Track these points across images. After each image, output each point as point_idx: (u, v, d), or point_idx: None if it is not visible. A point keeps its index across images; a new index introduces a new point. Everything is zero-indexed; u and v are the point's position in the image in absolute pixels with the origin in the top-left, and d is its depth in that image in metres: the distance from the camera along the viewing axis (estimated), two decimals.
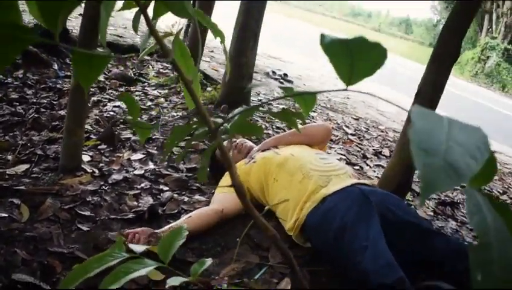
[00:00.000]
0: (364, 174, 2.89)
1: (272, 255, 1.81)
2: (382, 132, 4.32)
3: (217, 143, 0.81)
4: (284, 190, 1.95)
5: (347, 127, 4.08)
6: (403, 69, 12.36)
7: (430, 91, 2.09)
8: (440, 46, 2.09)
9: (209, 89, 4.28)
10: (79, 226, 1.82)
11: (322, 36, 0.51)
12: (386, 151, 3.55)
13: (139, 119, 2.90)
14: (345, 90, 0.58)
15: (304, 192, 1.87)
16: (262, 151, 2.23)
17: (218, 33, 1.10)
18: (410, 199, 2.52)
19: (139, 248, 1.09)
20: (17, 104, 3.21)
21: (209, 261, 1.05)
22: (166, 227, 1.79)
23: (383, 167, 3.14)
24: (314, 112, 4.37)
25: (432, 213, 2.60)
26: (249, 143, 2.40)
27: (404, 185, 2.23)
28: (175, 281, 0.90)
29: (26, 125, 2.85)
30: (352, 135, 3.82)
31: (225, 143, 2.34)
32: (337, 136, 3.64)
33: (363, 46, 0.51)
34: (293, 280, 1.62)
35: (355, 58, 0.54)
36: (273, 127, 3.46)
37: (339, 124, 4.12)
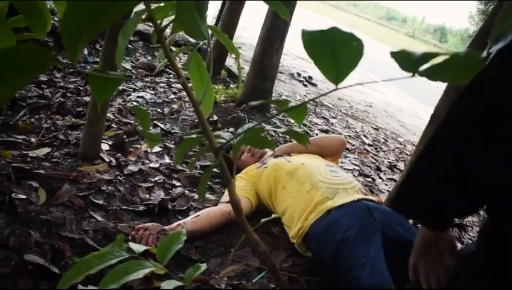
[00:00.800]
0: (375, 187, 2.90)
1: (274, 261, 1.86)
2: (400, 144, 4.31)
3: (218, 161, 0.86)
4: (292, 198, 2.00)
5: (365, 136, 4.08)
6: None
7: (444, 113, 2.09)
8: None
9: (232, 86, 4.34)
10: (91, 214, 1.90)
11: (303, 32, 0.51)
12: (401, 165, 3.56)
13: (160, 111, 2.98)
14: (336, 89, 0.59)
15: (310, 202, 1.91)
16: (275, 157, 2.28)
17: (233, 50, 1.15)
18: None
19: (139, 248, 1.15)
20: (45, 86, 3.32)
21: (203, 267, 1.10)
22: (175, 224, 1.86)
23: (395, 180, 3.15)
24: (334, 118, 4.39)
25: None
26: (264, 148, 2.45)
27: None
28: (169, 284, 0.96)
29: (52, 109, 2.95)
30: (369, 145, 3.83)
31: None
32: (354, 145, 3.65)
33: (342, 38, 0.50)
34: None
35: (337, 52, 0.53)
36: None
37: (357, 132, 4.13)
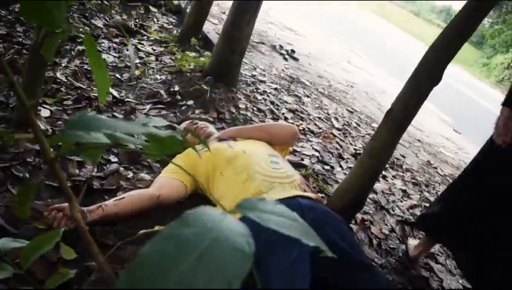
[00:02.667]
0: (332, 177, 2.80)
1: None
2: (373, 130, 4.19)
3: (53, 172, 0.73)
4: (227, 187, 1.89)
5: (336, 119, 3.96)
6: None
7: (400, 112, 1.97)
8: (423, 64, 1.96)
9: (207, 54, 4.16)
10: (9, 188, 1.79)
11: None
12: None
13: (118, 76, 2.81)
14: None
15: (244, 194, 1.80)
16: (219, 140, 2.15)
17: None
18: (353, 222, 2.43)
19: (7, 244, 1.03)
20: (1, 40, 3.14)
21: (70, 275, 1.00)
22: (95, 206, 1.74)
23: None
24: (307, 96, 4.25)
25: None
26: (210, 129, 2.33)
27: (356, 203, 2.14)
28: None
29: None
30: (338, 129, 3.71)
31: (186, 123, 2.28)
32: (321, 128, 3.53)
33: None
34: None
35: None
36: (254, 109, 3.35)
37: (329, 114, 4.00)
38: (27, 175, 1.88)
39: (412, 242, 2.46)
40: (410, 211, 2.86)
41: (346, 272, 1.61)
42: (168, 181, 1.98)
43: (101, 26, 4.20)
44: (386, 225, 2.59)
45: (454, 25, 1.85)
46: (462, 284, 2.38)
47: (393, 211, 2.76)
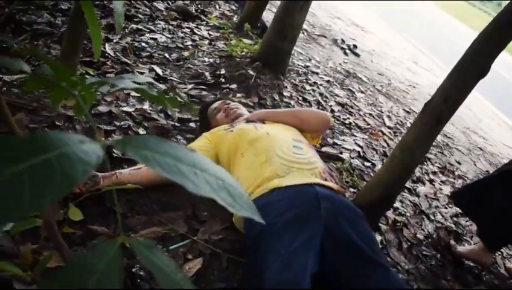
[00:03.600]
0: (370, 174, 2.65)
1: (204, 231, 1.72)
2: None
3: None
4: (245, 169, 1.83)
5: (389, 117, 3.76)
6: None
7: (439, 105, 1.81)
8: (468, 53, 1.78)
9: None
10: None
11: None
12: None
13: (167, 56, 2.84)
14: None
15: (260, 176, 1.74)
16: (247, 122, 2.09)
17: None
18: (383, 222, 2.26)
19: None
20: (60, 15, 3.27)
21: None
22: (111, 173, 1.75)
23: None
24: (362, 92, 4.08)
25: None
26: (241, 110, 2.27)
27: (385, 200, 2.00)
28: None
29: (54, 37, 2.90)
30: (389, 127, 3.52)
31: (218, 103, 2.25)
32: (369, 125, 3.36)
33: None
34: None
35: None
36: (299, 98, 3.26)
37: (381, 112, 3.81)
38: None
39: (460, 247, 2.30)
40: (454, 219, 2.64)
41: (358, 268, 1.50)
42: None
43: (162, 8, 4.28)
44: (423, 229, 2.40)
45: (507, 11, 1.66)
46: None
47: (434, 216, 2.56)
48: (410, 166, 1.91)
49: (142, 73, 2.76)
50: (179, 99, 0.92)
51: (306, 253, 1.44)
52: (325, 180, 1.78)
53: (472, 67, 1.75)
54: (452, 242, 2.35)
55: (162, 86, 2.74)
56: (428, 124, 1.83)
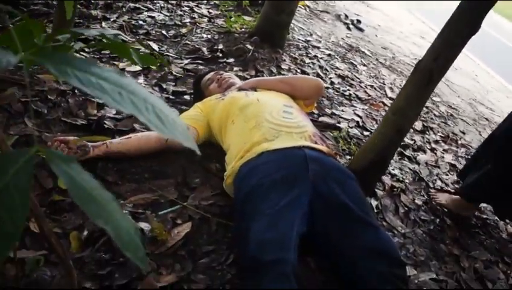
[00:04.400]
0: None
1: (194, 197, 1.73)
2: (433, 103, 3.88)
3: None
4: (236, 135, 1.82)
5: (391, 89, 3.71)
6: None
7: (429, 64, 1.77)
8: (458, 10, 1.74)
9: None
10: (25, 120, 1.86)
11: None
12: (418, 125, 3.20)
13: (164, 33, 2.84)
14: None
15: (249, 141, 1.73)
16: (239, 90, 2.08)
17: None
18: (380, 188, 2.23)
19: None
20: None
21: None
22: (100, 143, 1.76)
23: None
24: (364, 65, 4.02)
25: None
26: (234, 80, 2.26)
27: (378, 164, 1.98)
28: None
29: (49, 18, 2.90)
30: (390, 99, 3.47)
31: (211, 74, 2.24)
32: (370, 96, 3.32)
33: None
34: None
35: None
36: (298, 71, 3.23)
37: (384, 84, 3.76)
38: (45, 111, 1.94)
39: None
40: (456, 185, 2.61)
41: (347, 228, 1.49)
42: None
43: None
44: (423, 196, 2.38)
45: None
46: None
47: (433, 183, 2.53)
48: (403, 128, 1.88)
49: (138, 49, 2.76)
50: (164, 60, 0.92)
51: (292, 212, 1.43)
52: (315, 143, 1.77)
53: (462, 24, 1.71)
54: (432, 191, 2.40)
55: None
56: (419, 84, 1.80)
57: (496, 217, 2.47)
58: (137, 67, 2.56)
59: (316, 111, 2.71)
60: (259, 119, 1.79)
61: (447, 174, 2.71)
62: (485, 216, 2.44)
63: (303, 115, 1.95)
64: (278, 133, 1.73)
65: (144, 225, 1.51)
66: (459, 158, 3.00)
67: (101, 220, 0.45)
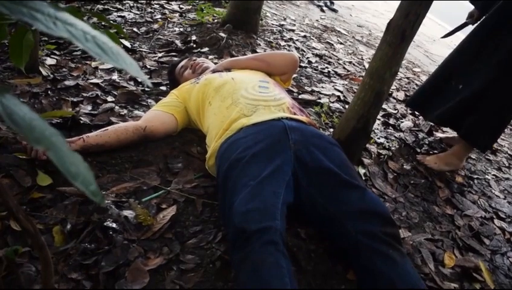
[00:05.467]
0: None
1: (177, 181, 1.69)
2: (414, 74, 3.88)
3: None
4: (213, 115, 1.79)
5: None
6: None
7: (400, 22, 1.75)
8: None
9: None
10: None
11: None
12: (400, 95, 3.19)
13: (135, 30, 2.79)
14: None
15: (227, 118, 1.70)
16: (213, 72, 2.05)
17: None
18: (366, 157, 2.22)
19: None
20: None
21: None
22: (77, 137, 1.72)
23: (384, 110, 2.83)
24: (341, 44, 4.01)
25: None
26: (207, 64, 2.23)
27: (360, 131, 1.96)
28: None
29: None
30: None
31: (184, 61, 2.20)
32: (349, 71, 3.31)
33: None
34: None
35: None
36: None
37: (362, 59, 3.75)
38: None
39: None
40: (442, 145, 2.60)
41: (333, 192, 1.46)
42: (157, 114, 1.92)
43: None
44: (412, 162, 2.37)
45: None
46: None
47: (421, 148, 2.52)
48: (381, 90, 1.86)
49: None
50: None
51: (275, 182, 1.41)
52: (294, 114, 1.74)
53: None
54: (419, 156, 2.46)
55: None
56: (393, 44, 1.78)
57: (487, 176, 2.47)
58: (110, 65, 2.52)
59: (295, 90, 2.69)
60: (235, 96, 1.76)
61: (432, 136, 2.70)
62: (475, 176, 2.44)
63: (279, 88, 1.92)
64: (256, 108, 1.70)
65: (128, 213, 1.48)
66: None
67: (41, 145, 0.42)
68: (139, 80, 2.42)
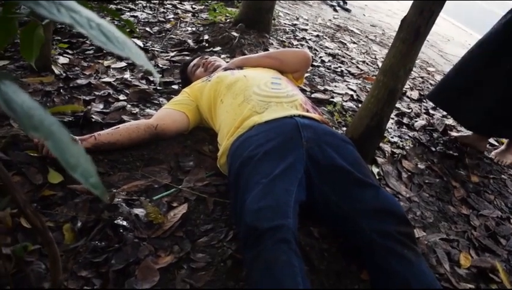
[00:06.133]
0: None
1: (189, 179, 1.68)
2: (428, 73, 3.83)
3: None
4: (225, 113, 1.78)
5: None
6: None
7: (415, 19, 1.72)
8: None
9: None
10: (11, 122, 1.81)
11: None
12: (414, 94, 3.15)
13: (148, 30, 2.80)
14: None
15: (239, 116, 1.68)
16: (225, 70, 2.04)
17: None
18: (380, 155, 2.18)
19: None
20: None
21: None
22: (88, 135, 1.71)
23: (398, 109, 2.79)
24: (354, 43, 3.98)
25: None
26: (219, 62, 2.21)
27: (374, 129, 1.93)
28: None
29: None
30: None
31: (197, 59, 2.19)
32: (363, 70, 3.27)
33: None
34: None
35: None
36: None
37: (376, 58, 3.71)
38: None
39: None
40: (457, 146, 2.55)
41: (346, 191, 1.44)
42: (168, 112, 1.91)
43: None
44: (427, 161, 2.33)
45: None
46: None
47: (435, 147, 2.47)
48: (395, 88, 1.83)
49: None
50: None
51: (288, 180, 1.38)
52: (307, 111, 1.72)
53: None
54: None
55: None
56: (407, 41, 1.75)
57: (503, 176, 2.42)
58: (123, 63, 2.53)
59: (308, 88, 2.67)
60: (247, 93, 1.74)
61: (447, 136, 2.66)
62: (491, 176, 2.39)
63: (292, 85, 1.90)
64: (268, 105, 1.68)
65: (138, 211, 1.47)
66: None
67: (39, 134, 0.40)
68: (151, 79, 2.42)
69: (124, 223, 1.42)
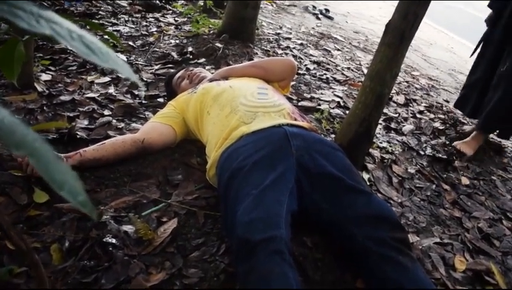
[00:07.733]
0: None
1: (178, 193, 1.65)
2: (413, 78, 3.86)
3: None
4: (213, 125, 1.75)
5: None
6: None
7: (399, 23, 1.73)
8: None
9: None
10: None
11: None
12: (400, 99, 3.16)
13: (131, 44, 2.77)
14: None
15: (227, 127, 1.66)
16: (210, 81, 2.02)
17: None
18: (370, 161, 2.18)
19: None
20: None
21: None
22: (73, 153, 1.68)
23: (385, 114, 2.80)
24: (338, 50, 3.99)
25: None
26: (204, 74, 2.19)
27: (362, 135, 1.92)
28: None
29: None
30: None
31: (181, 72, 2.17)
32: (348, 77, 3.28)
33: None
34: None
35: None
36: None
37: (360, 65, 3.73)
38: None
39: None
40: (445, 149, 2.56)
41: (338, 198, 1.42)
42: (155, 126, 1.88)
43: (125, 5, 4.21)
44: (416, 165, 2.33)
45: None
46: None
47: (424, 151, 2.48)
48: (382, 93, 1.83)
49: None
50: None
51: (278, 190, 1.36)
52: (295, 120, 1.71)
53: None
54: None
55: None
56: (393, 45, 1.75)
57: (493, 177, 2.43)
58: (107, 78, 2.49)
59: (294, 97, 2.66)
60: (234, 104, 1.72)
61: (435, 139, 2.67)
62: (481, 177, 2.40)
63: (279, 94, 1.89)
64: (255, 115, 1.66)
65: (127, 228, 1.44)
66: (446, 123, 2.95)
67: (22, 151, 0.38)
68: (136, 93, 2.39)
69: (113, 240, 1.38)
